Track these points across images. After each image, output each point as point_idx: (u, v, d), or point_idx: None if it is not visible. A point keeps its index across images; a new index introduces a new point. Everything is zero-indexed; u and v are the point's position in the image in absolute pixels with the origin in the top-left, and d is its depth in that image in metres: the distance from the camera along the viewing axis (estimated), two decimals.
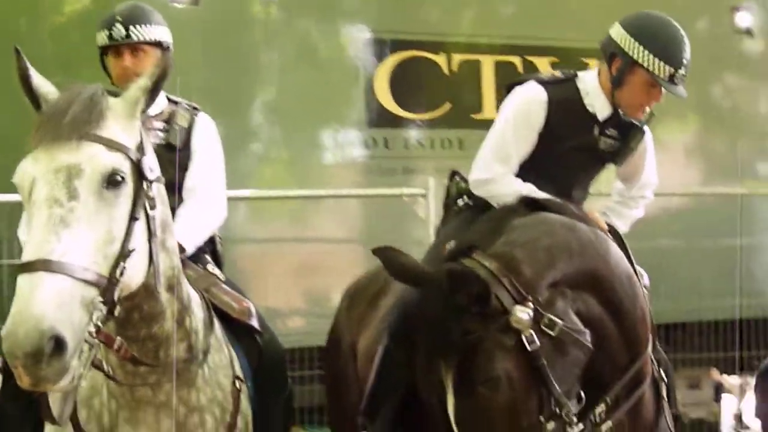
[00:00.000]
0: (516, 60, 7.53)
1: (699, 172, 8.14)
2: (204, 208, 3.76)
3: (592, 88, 3.86)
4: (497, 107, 7.14)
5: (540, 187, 3.79)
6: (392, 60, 7.40)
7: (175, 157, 3.70)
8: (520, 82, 4.03)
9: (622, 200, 4.27)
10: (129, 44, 3.85)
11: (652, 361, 3.44)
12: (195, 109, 3.94)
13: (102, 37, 3.88)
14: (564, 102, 3.80)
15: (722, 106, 8.31)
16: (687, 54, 3.73)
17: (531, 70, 7.24)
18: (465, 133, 7.30)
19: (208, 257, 3.84)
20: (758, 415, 1.51)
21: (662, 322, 6.68)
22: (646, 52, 3.65)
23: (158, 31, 3.93)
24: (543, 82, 3.89)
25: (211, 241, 3.91)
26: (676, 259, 7.39)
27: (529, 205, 3.39)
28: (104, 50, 3.93)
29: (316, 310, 6.57)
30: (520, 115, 3.87)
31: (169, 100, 3.91)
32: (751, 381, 9.44)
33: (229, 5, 7.11)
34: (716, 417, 8.58)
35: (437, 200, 5.48)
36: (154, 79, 2.84)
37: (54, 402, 2.83)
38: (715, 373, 8.61)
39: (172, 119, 3.84)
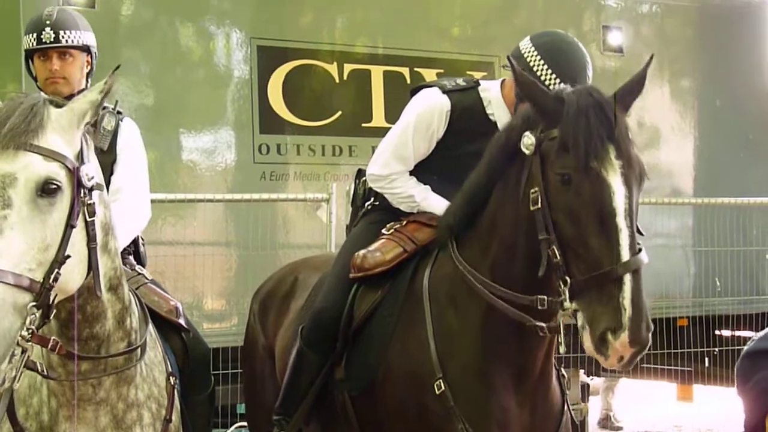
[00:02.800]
0: (404, 70, 7.66)
1: None
2: (130, 210, 3.72)
3: (495, 99, 3.83)
4: (386, 116, 7.51)
5: (437, 187, 3.85)
6: (285, 68, 7.48)
7: (101, 160, 3.55)
8: (424, 87, 4.02)
9: None
10: (58, 48, 3.85)
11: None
12: (119, 113, 3.91)
13: (29, 41, 3.86)
14: (466, 110, 3.78)
15: None
16: (588, 76, 3.64)
17: (418, 81, 7.45)
18: (355, 142, 7.48)
19: (132, 258, 3.86)
20: (739, 394, 1.64)
21: None
22: (549, 71, 3.60)
23: (85, 36, 3.94)
24: (446, 91, 3.84)
25: (133, 242, 3.90)
26: None
27: None
28: (30, 53, 3.90)
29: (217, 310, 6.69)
30: (421, 122, 3.84)
31: None
32: (613, 382, 10.00)
33: (122, 10, 7.06)
34: (583, 416, 8.98)
35: (338, 205, 5.70)
36: (103, 94, 2.86)
37: None
38: (582, 374, 9.02)
39: (99, 123, 3.76)
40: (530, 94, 3.24)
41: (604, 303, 2.94)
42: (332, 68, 7.62)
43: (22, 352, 2.53)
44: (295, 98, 7.51)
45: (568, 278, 3.03)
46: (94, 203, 2.79)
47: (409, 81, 7.49)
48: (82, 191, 2.74)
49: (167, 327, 3.61)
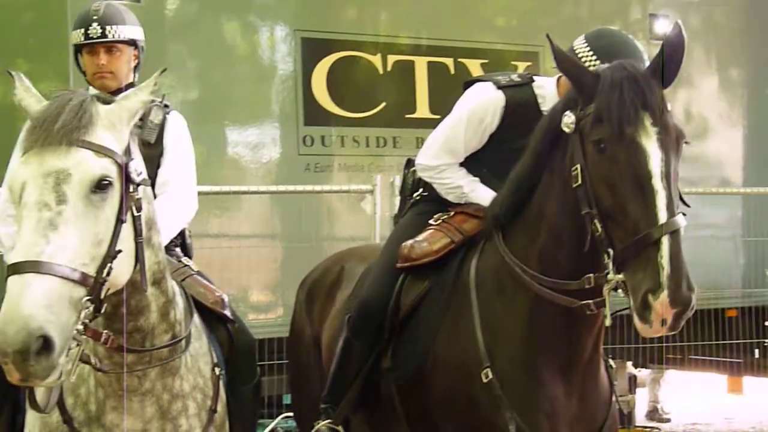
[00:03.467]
0: (448, 61, 7.64)
1: None
2: (176, 202, 3.74)
3: (550, 95, 3.78)
4: (430, 107, 7.51)
5: (487, 180, 3.84)
6: (329, 60, 7.48)
7: (148, 153, 3.61)
8: (477, 81, 4.02)
9: None
10: (104, 43, 3.86)
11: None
12: (166, 106, 3.92)
13: (77, 36, 3.88)
14: (520, 106, 3.75)
15: None
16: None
17: (462, 72, 7.44)
18: (399, 134, 7.48)
19: (178, 250, 3.88)
20: None
21: None
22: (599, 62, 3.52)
23: (132, 31, 3.95)
24: (501, 86, 3.82)
25: (180, 234, 3.92)
26: None
27: None
28: (78, 48, 3.92)
29: (263, 302, 6.71)
30: (474, 116, 3.82)
31: None
32: (660, 374, 9.92)
33: (167, 4, 7.07)
34: (631, 407, 8.95)
35: (382, 196, 5.72)
36: (153, 94, 2.92)
37: (39, 391, 2.84)
38: (629, 366, 8.97)
39: (146, 116, 3.77)
40: (569, 71, 3.28)
41: (644, 267, 2.93)
42: (376, 59, 7.63)
43: (77, 346, 2.56)
44: (339, 90, 7.52)
45: (611, 250, 3.03)
46: (140, 198, 2.82)
47: (453, 72, 7.51)
48: (130, 186, 2.78)
49: (213, 318, 3.62)
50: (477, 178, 3.89)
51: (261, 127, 7.33)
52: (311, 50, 7.47)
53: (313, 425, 4.01)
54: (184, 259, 3.83)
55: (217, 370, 3.39)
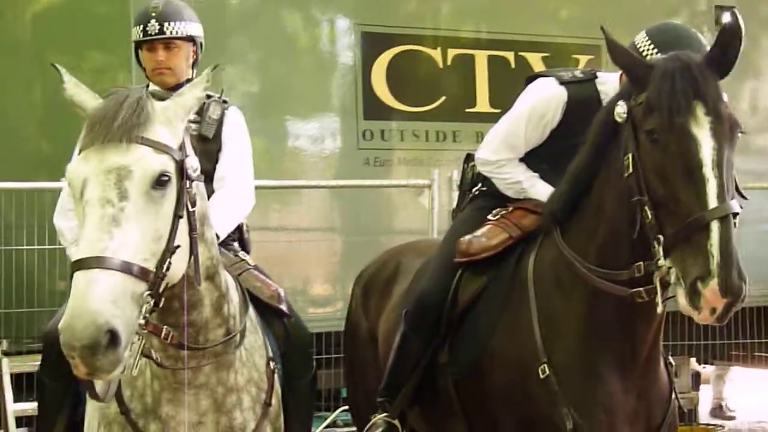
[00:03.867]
0: (509, 55, 7.62)
1: None
2: (234, 197, 3.78)
3: (613, 91, 3.69)
4: (490, 101, 7.49)
5: (547, 176, 3.82)
6: (389, 54, 7.49)
7: (206, 148, 3.73)
8: (540, 76, 4.01)
9: None
10: (162, 40, 3.89)
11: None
12: (225, 102, 3.95)
13: (136, 33, 3.92)
14: (583, 102, 3.70)
15: None
16: None
17: (523, 66, 7.41)
18: (458, 128, 7.47)
19: (236, 244, 3.90)
20: None
21: None
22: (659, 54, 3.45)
23: (190, 27, 3.95)
24: (564, 82, 3.79)
25: (238, 228, 3.93)
26: None
27: None
28: (138, 44, 3.95)
29: (322, 295, 6.74)
30: (536, 111, 3.80)
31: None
32: (725, 371, 9.79)
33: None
34: (694, 404, 8.85)
35: (440, 191, 5.72)
36: (207, 90, 2.98)
37: (99, 382, 2.86)
38: (693, 362, 8.87)
39: (204, 112, 3.84)
40: (622, 61, 3.27)
41: (694, 253, 2.91)
42: (436, 53, 7.63)
43: (139, 340, 2.62)
44: (399, 84, 7.54)
45: (660, 236, 3.02)
46: (195, 194, 2.87)
47: (513, 66, 7.50)
48: (187, 182, 2.81)
49: (269, 312, 3.64)
50: (536, 174, 3.88)
51: (321, 121, 7.38)
52: (371, 44, 7.50)
53: (370, 419, 4.02)
54: (241, 254, 3.84)
55: (272, 364, 3.41)
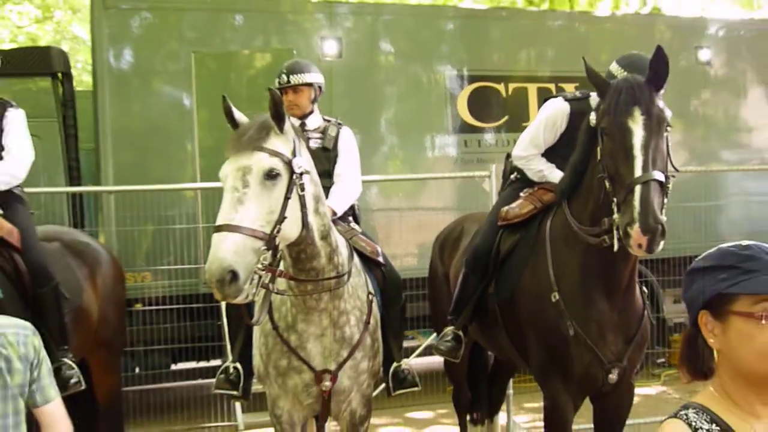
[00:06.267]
0: (551, 86, 7.50)
1: (682, 156, 8.06)
2: (347, 187, 3.73)
3: None
4: None
5: (560, 165, 3.76)
6: (469, 88, 7.49)
7: (330, 155, 3.74)
8: (552, 97, 3.97)
9: None
10: (290, 86, 3.86)
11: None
12: (340, 124, 3.90)
13: (276, 82, 3.90)
14: (581, 113, 3.61)
15: (695, 113, 8.14)
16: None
17: (562, 93, 7.35)
18: (518, 136, 7.34)
19: (350, 218, 3.86)
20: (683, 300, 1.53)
21: (660, 257, 6.80)
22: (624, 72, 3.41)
23: (309, 77, 3.88)
24: (567, 99, 3.79)
25: (351, 208, 3.88)
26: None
27: None
28: (279, 89, 3.92)
29: (421, 252, 6.64)
30: (549, 120, 3.79)
31: (324, 119, 3.91)
32: None
33: (362, 58, 7.23)
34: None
35: (497, 179, 5.65)
36: (293, 126, 2.94)
37: (256, 310, 2.95)
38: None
39: (326, 131, 3.82)
40: (594, 81, 3.24)
41: (626, 208, 2.93)
42: (501, 87, 7.56)
43: (259, 278, 2.60)
44: (476, 108, 7.49)
45: (615, 199, 3.04)
46: (304, 183, 2.81)
47: (554, 93, 7.25)
48: (294, 176, 2.77)
49: (371, 263, 3.60)
50: (553, 165, 3.85)
51: (424, 133, 7.38)
52: (458, 81, 7.47)
53: (443, 329, 4.09)
54: (353, 225, 3.81)
55: (370, 297, 3.38)
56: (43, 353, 2.30)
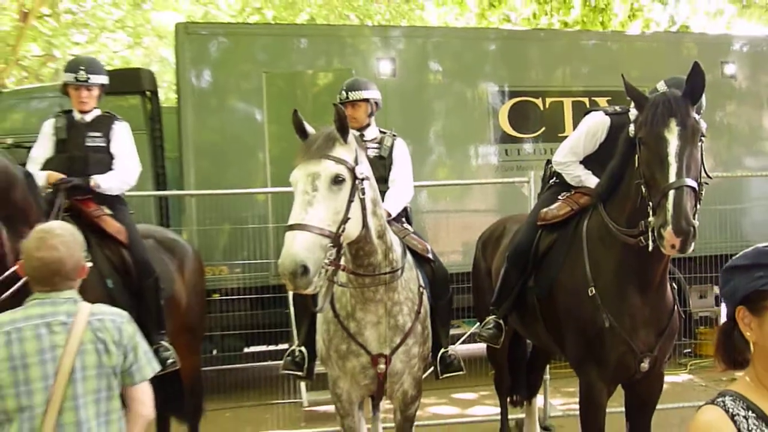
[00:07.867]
0: (585, 100, 7.37)
1: (708, 163, 7.83)
2: (401, 191, 3.71)
3: None
4: (573, 129, 7.23)
5: (597, 172, 3.69)
6: (509, 103, 7.41)
7: (385, 163, 3.75)
8: (593, 111, 3.90)
9: None
10: (349, 102, 3.85)
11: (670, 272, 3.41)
12: (394, 135, 3.90)
13: (337, 98, 3.90)
14: (620, 126, 3.57)
15: (721, 123, 7.92)
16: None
17: (594, 106, 7.13)
18: (554, 146, 7.25)
19: (403, 219, 3.84)
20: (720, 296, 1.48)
21: (687, 256, 6.56)
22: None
23: (366, 93, 3.86)
24: (608, 113, 3.72)
25: (404, 210, 3.86)
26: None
27: None
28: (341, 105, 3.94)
29: (465, 250, 6.62)
30: (590, 131, 3.73)
31: (380, 131, 3.92)
32: None
33: (414, 77, 7.22)
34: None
35: (535, 184, 5.59)
36: (355, 137, 2.94)
37: (320, 300, 2.99)
38: (716, 288, 8.33)
39: (382, 141, 3.82)
40: (632, 96, 3.17)
41: (660, 211, 2.87)
42: (539, 101, 7.46)
43: (326, 272, 2.61)
44: (516, 120, 7.40)
45: (650, 203, 2.98)
46: (364, 188, 2.83)
47: (588, 106, 7.13)
48: (356, 181, 2.79)
49: (422, 259, 3.57)
50: (590, 171, 3.79)
51: (469, 144, 7.33)
52: (499, 97, 7.40)
53: (485, 319, 4.04)
54: (406, 225, 3.80)
55: (421, 289, 3.37)
56: (138, 338, 2.33)
